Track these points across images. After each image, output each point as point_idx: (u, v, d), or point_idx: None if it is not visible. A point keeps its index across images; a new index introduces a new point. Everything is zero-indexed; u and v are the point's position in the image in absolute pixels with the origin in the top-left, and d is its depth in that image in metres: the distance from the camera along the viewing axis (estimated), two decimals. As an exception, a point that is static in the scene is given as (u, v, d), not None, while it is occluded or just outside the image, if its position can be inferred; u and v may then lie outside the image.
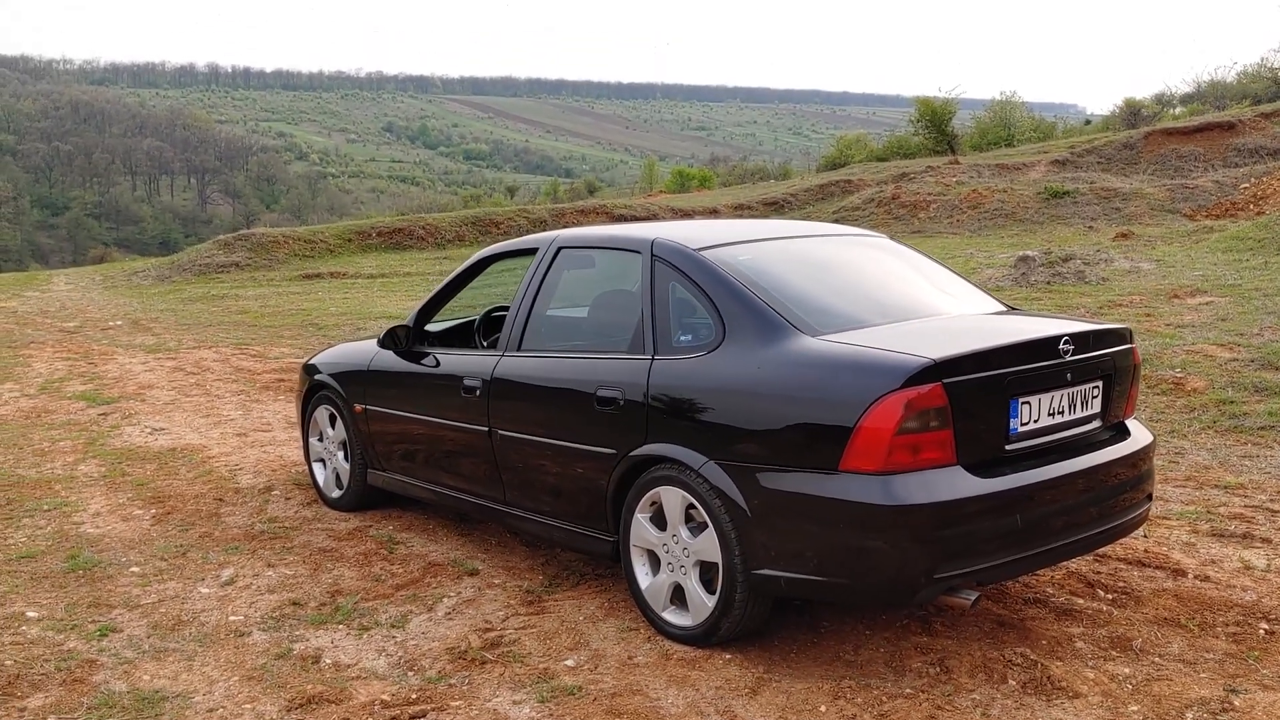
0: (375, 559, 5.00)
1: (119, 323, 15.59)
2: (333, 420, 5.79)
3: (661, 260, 4.16)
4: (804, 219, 25.39)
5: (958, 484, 3.40)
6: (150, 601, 4.55)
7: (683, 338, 4.03)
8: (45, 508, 5.91)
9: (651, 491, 3.95)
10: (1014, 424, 3.58)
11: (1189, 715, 3.30)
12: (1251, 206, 19.41)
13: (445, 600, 4.47)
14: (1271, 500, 5.29)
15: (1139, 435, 4.08)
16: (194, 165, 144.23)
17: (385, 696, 3.61)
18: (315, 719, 3.49)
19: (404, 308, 14.76)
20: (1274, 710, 3.30)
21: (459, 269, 5.28)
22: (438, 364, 5.05)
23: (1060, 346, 3.66)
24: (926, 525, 3.34)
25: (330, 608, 4.43)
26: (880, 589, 3.50)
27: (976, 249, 17.86)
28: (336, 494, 5.79)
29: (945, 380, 3.38)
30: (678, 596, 3.95)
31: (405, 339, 5.24)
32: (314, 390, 5.91)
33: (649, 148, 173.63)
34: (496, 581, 4.66)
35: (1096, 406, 3.88)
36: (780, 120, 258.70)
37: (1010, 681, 3.53)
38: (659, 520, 3.98)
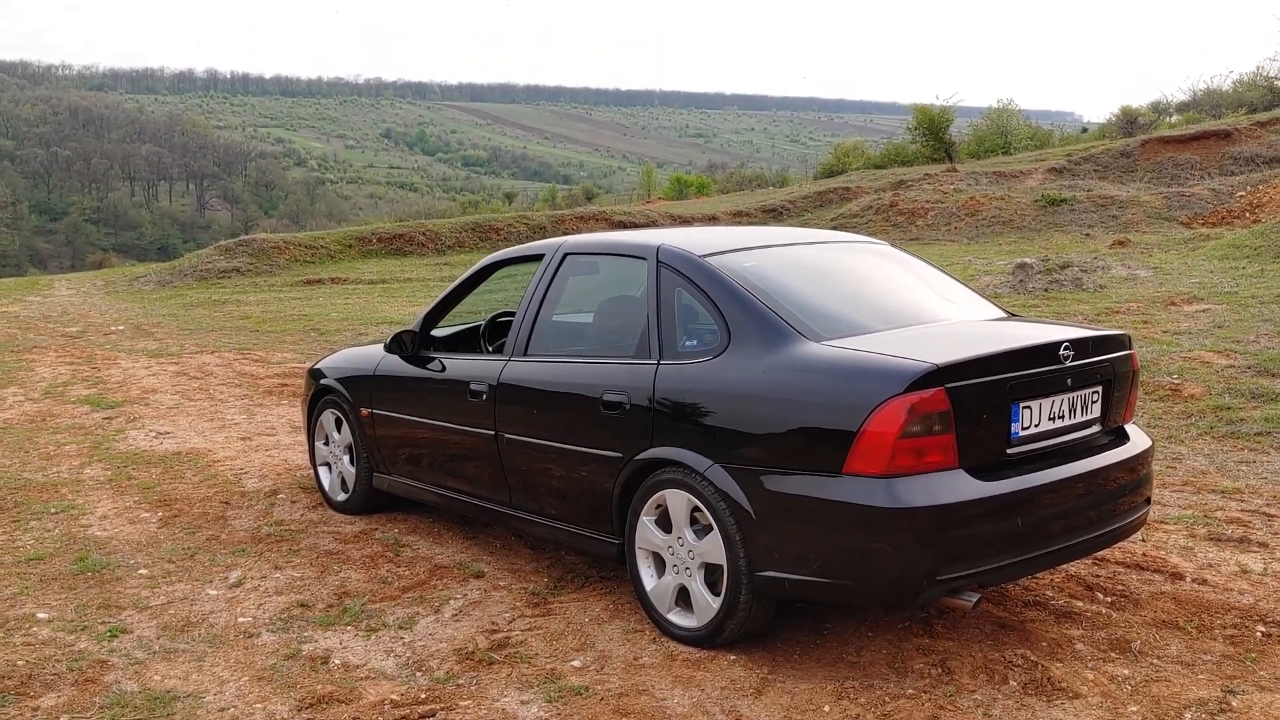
0: (382, 561, 5.05)
1: (121, 328, 15.63)
2: (339, 424, 5.84)
3: (667, 267, 4.21)
4: (802, 226, 25.45)
5: (960, 487, 3.46)
6: (159, 603, 4.60)
7: (688, 343, 4.09)
8: (53, 510, 5.95)
9: (657, 494, 4.01)
10: (1015, 428, 3.64)
11: (1187, 716, 3.36)
12: (1247, 214, 19.49)
13: (452, 602, 4.52)
14: (1268, 505, 5.35)
15: (1138, 440, 4.14)
16: (192, 171, 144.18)
17: (395, 696, 3.66)
18: (326, 718, 3.54)
19: (405, 313, 14.81)
20: (1271, 711, 3.35)
21: (465, 274, 5.33)
22: (444, 369, 5.10)
23: (1061, 352, 3.72)
24: (929, 528, 3.39)
25: (338, 609, 4.48)
26: (883, 591, 3.56)
27: (974, 256, 17.93)
28: (342, 497, 5.84)
29: (948, 385, 3.44)
30: (683, 598, 4.00)
31: (411, 344, 5.29)
32: (320, 395, 5.96)
33: (647, 154, 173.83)
34: (502, 584, 4.71)
35: (1096, 411, 3.94)
36: (778, 127, 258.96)
37: (1011, 682, 3.58)
38: (664, 523, 4.04)
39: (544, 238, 24.04)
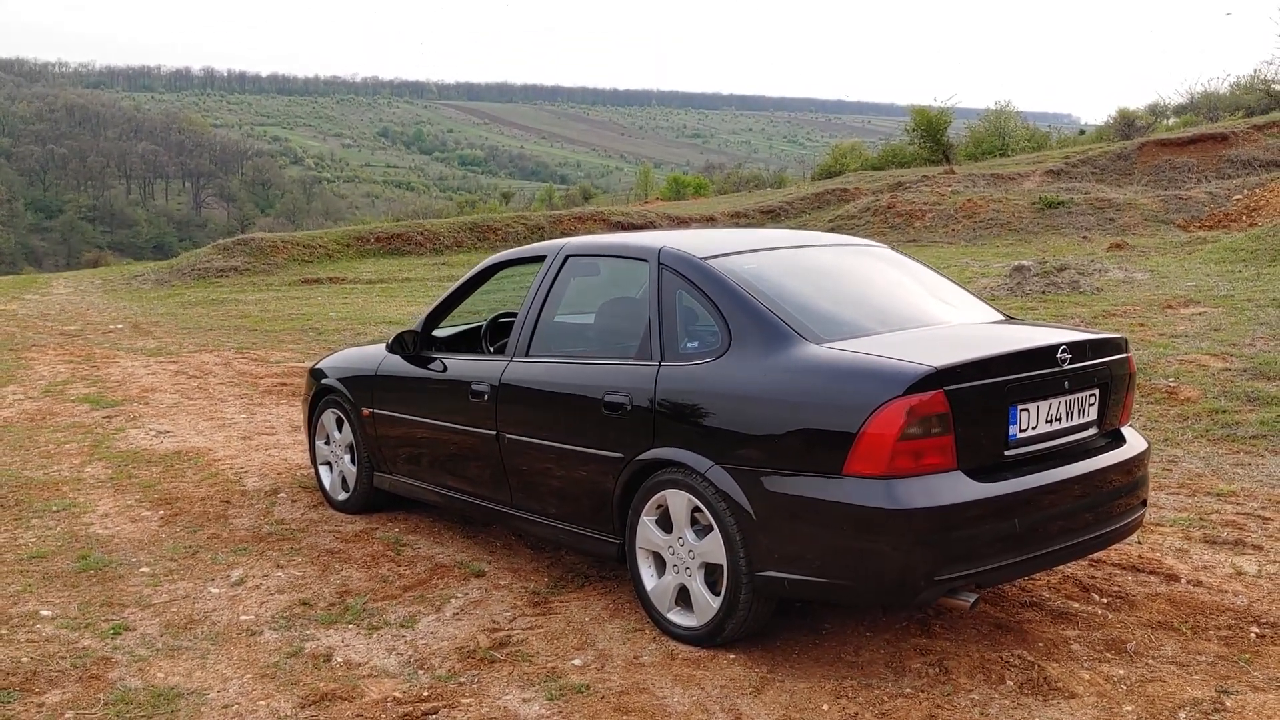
0: (383, 560, 5.08)
1: (120, 326, 15.64)
2: (340, 424, 5.87)
3: (668, 269, 4.25)
4: (800, 227, 25.51)
5: (958, 489, 3.49)
6: (162, 601, 4.62)
7: (689, 344, 4.12)
8: (54, 509, 5.98)
9: (658, 495, 4.04)
10: (1013, 430, 3.68)
11: (1182, 715, 3.39)
12: (1244, 218, 19.55)
13: (453, 601, 4.55)
14: (1263, 508, 5.39)
15: (1134, 442, 4.17)
16: (189, 169, 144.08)
17: (397, 694, 3.69)
18: (329, 716, 3.57)
19: (403, 313, 14.83)
20: (1264, 711, 3.39)
21: (467, 275, 5.36)
22: (446, 369, 5.13)
23: (1058, 355, 3.76)
24: (927, 529, 3.43)
25: (340, 608, 4.50)
26: (882, 591, 3.59)
27: (972, 258, 17.98)
28: (343, 496, 5.87)
29: (947, 387, 3.47)
30: (683, 598, 4.04)
31: (413, 344, 5.32)
32: (321, 394, 5.99)
33: (644, 154, 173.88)
34: (503, 583, 4.74)
35: (1093, 414, 3.98)
36: (775, 128, 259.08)
37: (1008, 682, 3.62)
38: (665, 523, 4.07)
39: (542, 238, 24.10)
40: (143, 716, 3.60)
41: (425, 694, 3.69)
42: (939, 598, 3.57)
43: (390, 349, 5.40)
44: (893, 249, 5.00)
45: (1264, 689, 3.56)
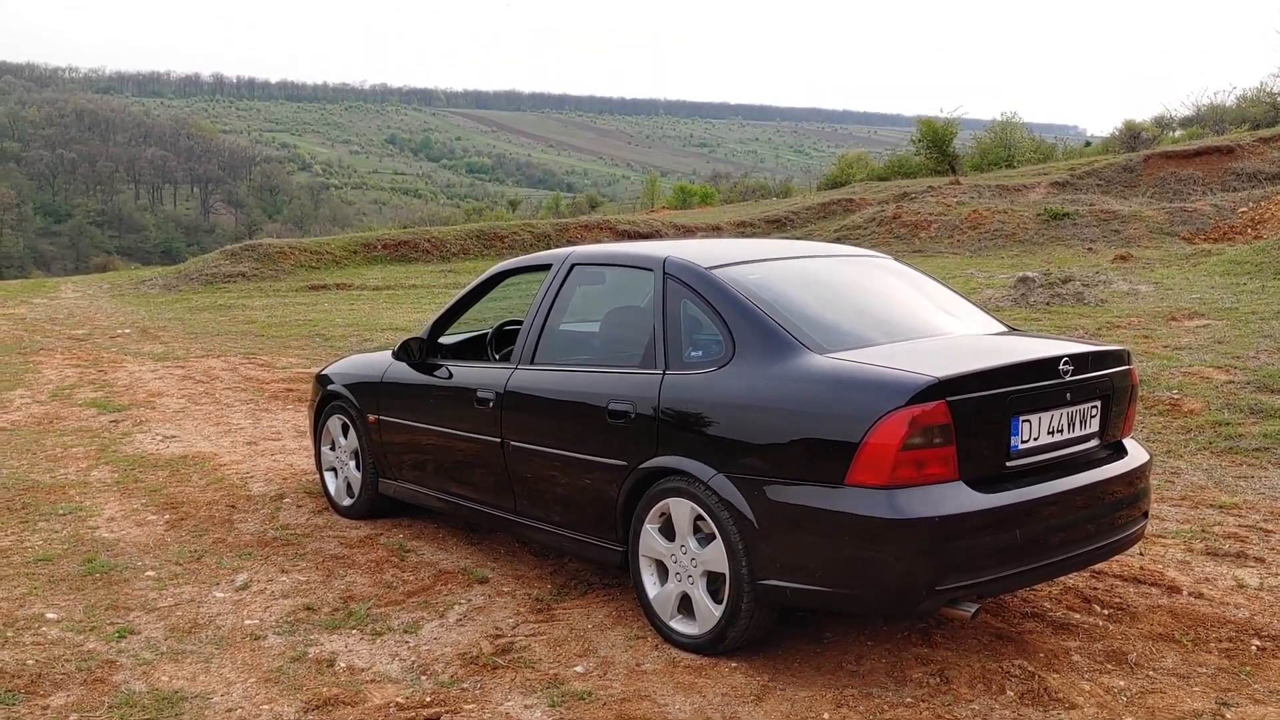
0: (387, 566, 5.10)
1: (127, 331, 15.70)
2: (345, 430, 5.89)
3: (673, 278, 4.27)
4: (806, 237, 25.54)
5: (960, 499, 3.51)
6: (167, 605, 4.65)
7: (693, 354, 4.14)
8: (60, 512, 6.01)
9: (661, 503, 4.06)
10: (1015, 441, 3.70)
11: (1182, 727, 3.40)
12: (1249, 230, 19.55)
13: (456, 607, 4.57)
14: (1265, 520, 5.40)
15: (1136, 454, 4.19)
16: (197, 174, 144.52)
17: (399, 699, 3.71)
18: (332, 720, 3.59)
19: (410, 320, 14.87)
20: (1264, 723, 3.40)
21: (474, 283, 5.39)
22: (451, 376, 5.15)
23: (1060, 367, 3.78)
24: (929, 539, 3.45)
25: (343, 613, 4.53)
26: (883, 600, 3.61)
27: (977, 269, 17.98)
28: (348, 502, 5.89)
29: (949, 398, 3.49)
30: (685, 606, 4.05)
31: (419, 351, 5.34)
32: (327, 400, 6.02)
33: (651, 163, 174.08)
34: (506, 589, 4.76)
35: (1095, 425, 4.00)
36: (782, 138, 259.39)
37: (1008, 692, 3.63)
38: (667, 531, 4.09)
39: (548, 246, 24.14)
40: None
41: (428, 700, 3.70)
42: (940, 607, 3.59)
43: (396, 356, 5.43)
44: (896, 259, 5.02)
45: (1264, 702, 3.57)
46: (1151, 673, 3.79)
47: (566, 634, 4.24)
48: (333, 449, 6.04)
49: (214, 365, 11.83)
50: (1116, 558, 4.54)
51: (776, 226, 28.23)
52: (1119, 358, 4.12)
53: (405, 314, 16.25)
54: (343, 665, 4.02)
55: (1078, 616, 4.27)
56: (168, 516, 5.93)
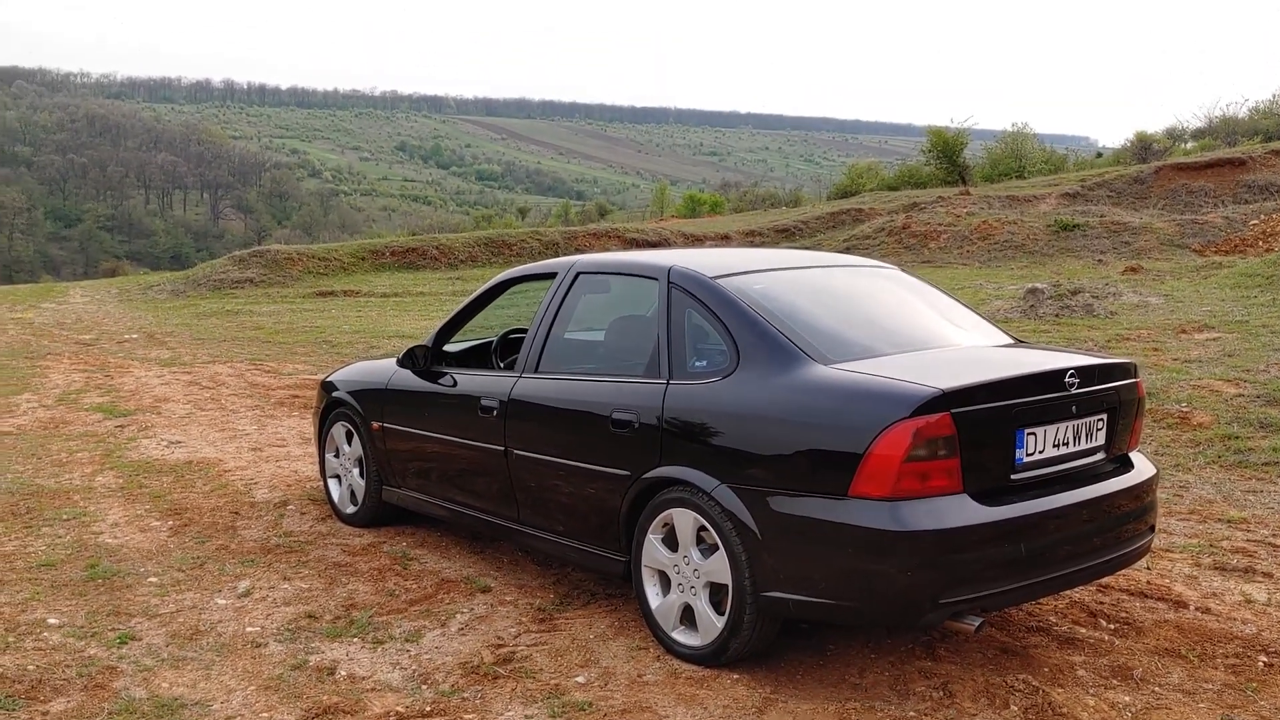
0: (389, 574, 5.08)
1: (134, 336, 15.73)
2: (349, 437, 5.89)
3: (678, 287, 4.26)
4: (815, 247, 25.52)
5: (964, 511, 3.49)
6: (168, 611, 4.64)
7: (697, 363, 4.13)
8: (64, 517, 6.01)
9: (664, 513, 4.04)
10: (1020, 454, 3.67)
11: (1187, 744, 3.37)
12: (1261, 243, 19.48)
13: (458, 616, 4.55)
14: (1274, 535, 5.36)
15: (1142, 468, 4.16)
16: (207, 180, 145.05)
17: (399, 708, 3.69)
18: (332, 729, 3.57)
19: (417, 327, 14.88)
20: (1271, 740, 3.37)
21: (478, 291, 5.38)
22: (455, 384, 5.14)
23: (1066, 379, 3.75)
24: (932, 551, 3.42)
25: (345, 621, 4.51)
26: (886, 613, 3.59)
27: (986, 280, 17.95)
28: (351, 510, 5.88)
29: (953, 410, 3.47)
30: (687, 617, 4.03)
31: (424, 359, 5.34)
32: (331, 407, 6.01)
33: (661, 171, 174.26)
34: (509, 599, 4.74)
35: (1101, 439, 3.97)
36: (792, 147, 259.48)
37: (1012, 707, 3.60)
38: (670, 541, 4.07)
39: (557, 254, 24.21)
40: (146, 727, 3.61)
41: (428, 709, 3.69)
42: (944, 621, 3.56)
43: (401, 363, 5.42)
44: (903, 270, 5.00)
45: (1271, 718, 3.54)
46: (1157, 688, 3.76)
47: (568, 644, 4.22)
48: (337, 456, 6.03)
49: (220, 371, 11.84)
50: (1123, 572, 4.51)
51: (785, 236, 28.22)
52: (1126, 370, 4.09)
53: (412, 321, 16.26)
54: (343, 673, 4.01)
55: (1083, 631, 4.24)
56: (171, 522, 5.93)
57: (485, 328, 6.05)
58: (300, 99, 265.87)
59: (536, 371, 4.72)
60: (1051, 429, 3.76)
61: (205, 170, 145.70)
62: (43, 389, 10.60)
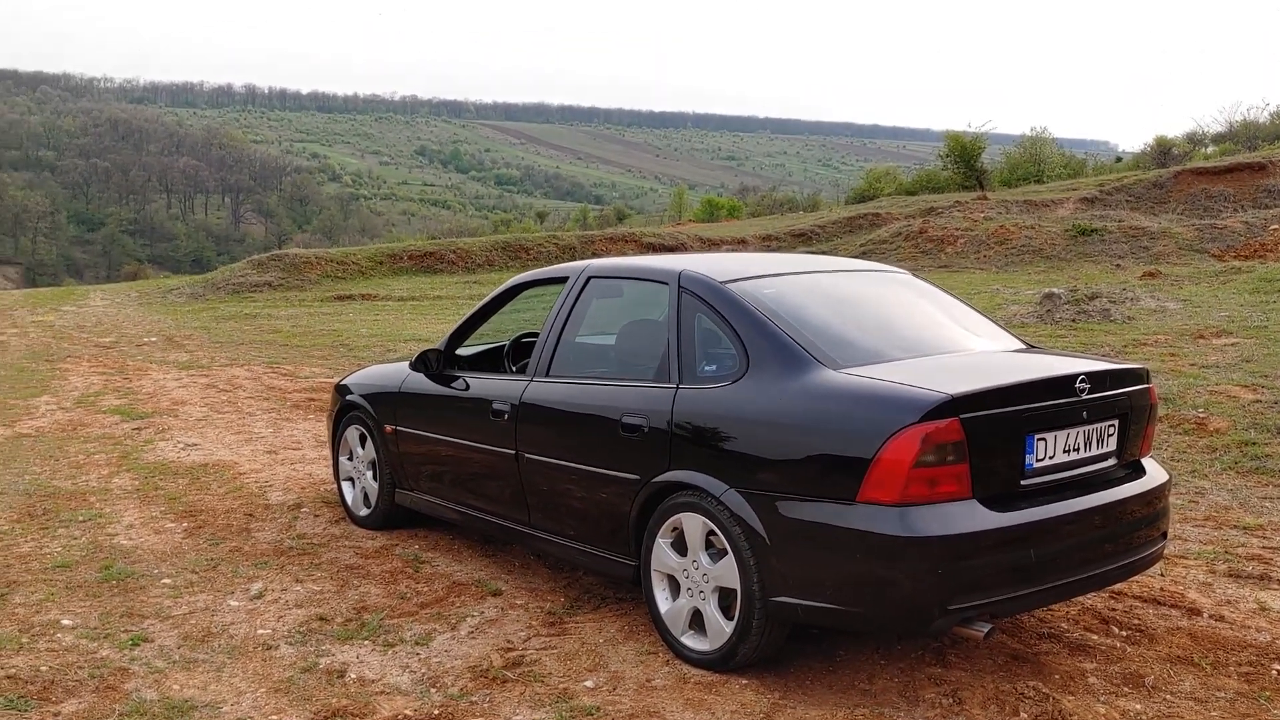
0: (401, 577, 5.10)
1: (153, 339, 15.83)
2: (363, 440, 5.91)
3: (688, 292, 4.26)
4: (831, 251, 25.49)
5: (973, 517, 3.47)
6: (181, 613, 4.66)
7: (707, 368, 4.12)
8: (80, 519, 6.05)
9: (673, 517, 4.04)
10: (1030, 460, 3.65)
11: (1198, 752, 3.35)
12: (1281, 248, 19.32)
13: (468, 619, 4.56)
14: (1290, 542, 5.31)
15: (1155, 474, 4.13)
16: (228, 184, 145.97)
17: (408, 711, 3.70)
18: (340, 731, 3.58)
19: (434, 331, 14.92)
20: (1283, 750, 3.34)
21: (491, 295, 5.40)
22: (468, 387, 5.16)
23: (1077, 385, 3.73)
24: (941, 557, 3.41)
25: (356, 624, 4.53)
26: (895, 618, 3.57)
27: (1003, 285, 17.88)
28: (364, 512, 5.90)
29: (963, 415, 3.45)
30: (696, 621, 4.03)
31: (436, 362, 5.35)
32: (345, 410, 6.03)
33: (679, 176, 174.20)
34: (519, 602, 4.75)
35: (1112, 445, 3.95)
36: (810, 151, 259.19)
37: (1022, 714, 3.58)
38: (680, 546, 4.07)
39: (574, 258, 24.28)
40: (156, 728, 3.63)
41: (436, 712, 3.69)
42: (953, 627, 3.54)
43: (414, 367, 5.44)
44: (916, 275, 4.98)
45: (1283, 728, 3.51)
46: (1169, 696, 3.73)
47: (578, 648, 4.22)
48: (350, 459, 6.06)
49: (237, 374, 11.90)
50: (1136, 578, 4.48)
51: (802, 240, 28.19)
52: (1137, 376, 4.07)
53: (429, 325, 16.31)
54: (353, 676, 4.02)
55: (1095, 638, 4.21)
56: (186, 524, 5.96)
57: (500, 332, 6.07)
58: (321, 103, 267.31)
59: (548, 375, 4.73)
60: (1062, 434, 3.74)
61: (226, 174, 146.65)
62: (61, 391, 10.68)
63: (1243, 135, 37.03)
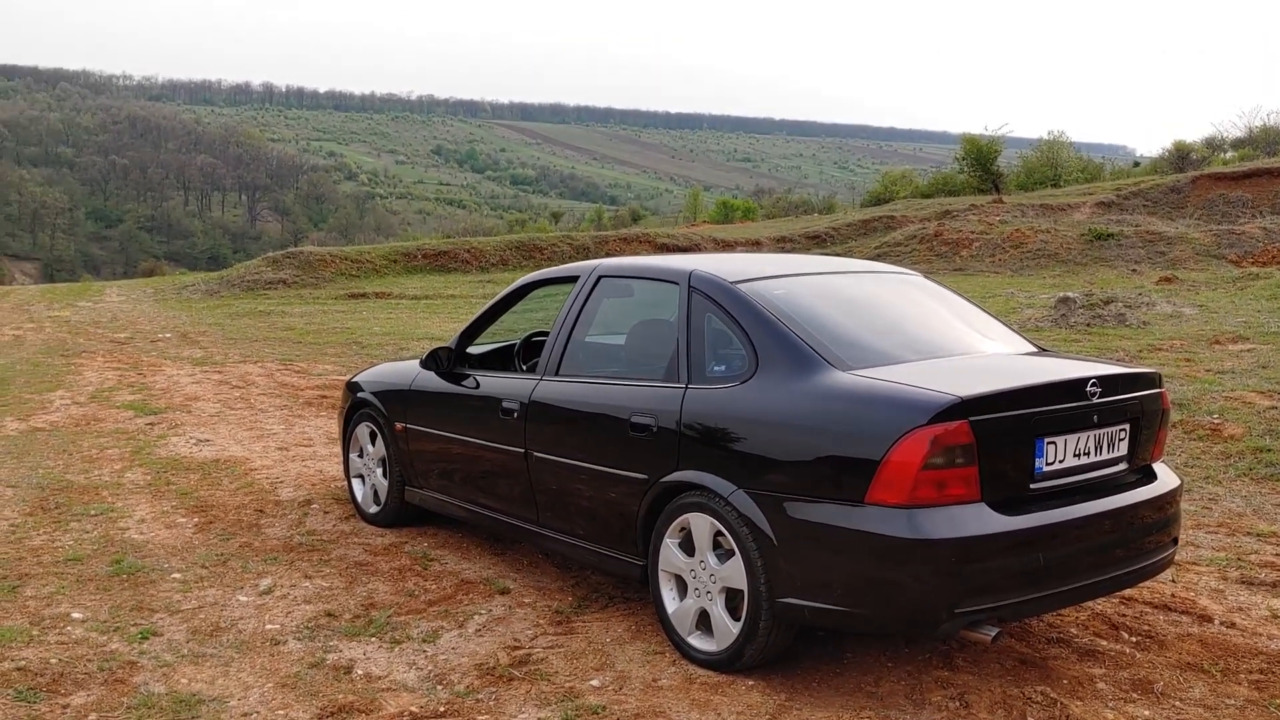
0: (409, 574, 5.10)
1: (168, 335, 15.90)
2: (373, 437, 5.92)
3: (698, 292, 4.25)
4: (845, 254, 25.44)
5: (981, 520, 3.46)
6: (190, 607, 4.68)
7: (716, 368, 4.12)
8: (92, 513, 6.07)
9: (681, 517, 4.03)
10: (1039, 463, 3.63)
11: (1207, 759, 3.32)
12: (1300, 254, 19.21)
13: (476, 617, 4.56)
14: (1303, 550, 5.27)
15: (1166, 479, 4.11)
16: (245, 182, 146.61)
17: (414, 708, 3.70)
18: (346, 727, 3.59)
19: (447, 329, 14.95)
20: (1292, 758, 3.31)
21: (502, 294, 5.40)
22: (478, 386, 5.16)
23: (1088, 389, 3.71)
24: (949, 560, 3.39)
25: (364, 620, 4.53)
26: (902, 621, 3.56)
27: (1018, 289, 17.81)
28: (374, 510, 5.92)
29: (972, 418, 3.44)
30: (703, 622, 4.02)
31: (447, 360, 5.36)
32: (356, 407, 6.05)
33: (694, 177, 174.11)
34: (527, 601, 4.75)
35: (1123, 449, 3.92)
36: (826, 153, 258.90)
37: (1029, 719, 3.56)
38: (687, 546, 4.06)
39: (587, 258, 24.33)
40: (164, 721, 3.64)
41: (442, 710, 3.70)
42: (960, 630, 3.53)
43: (424, 365, 5.45)
44: (927, 277, 4.97)
45: (1293, 736, 3.48)
46: (1178, 703, 3.71)
47: (584, 647, 4.21)
48: (361, 456, 6.07)
49: (251, 371, 11.94)
50: (1147, 584, 4.46)
51: (817, 243, 28.14)
52: (1149, 380, 4.05)
53: (442, 323, 16.34)
54: (360, 673, 4.03)
55: (1104, 643, 4.19)
56: (197, 520, 5.98)
57: (511, 330, 6.07)
58: (338, 102, 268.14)
59: (557, 374, 4.73)
60: (1072, 438, 3.72)
61: (243, 172, 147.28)
62: (76, 386, 10.73)
63: (1262, 140, 36.81)
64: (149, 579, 5.02)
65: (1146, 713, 3.62)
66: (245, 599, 4.79)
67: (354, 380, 6.23)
